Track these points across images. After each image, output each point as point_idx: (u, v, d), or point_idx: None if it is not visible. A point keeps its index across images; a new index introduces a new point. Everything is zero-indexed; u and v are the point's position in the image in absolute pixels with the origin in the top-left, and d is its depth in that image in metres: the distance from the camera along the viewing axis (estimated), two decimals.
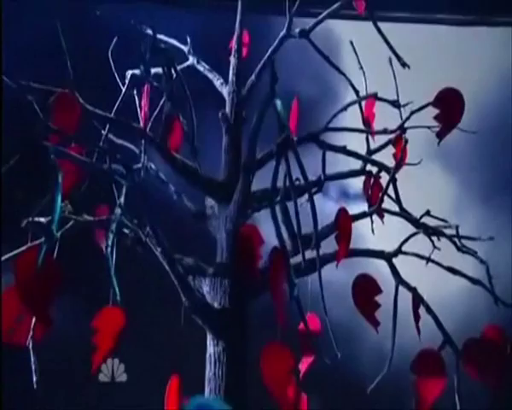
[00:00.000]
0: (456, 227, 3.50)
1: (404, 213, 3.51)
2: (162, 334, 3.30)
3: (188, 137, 3.24)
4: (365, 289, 3.29)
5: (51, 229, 2.53)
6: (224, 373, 3.16)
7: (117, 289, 2.61)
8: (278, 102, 2.83)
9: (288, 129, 2.83)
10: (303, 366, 3.10)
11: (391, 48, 3.58)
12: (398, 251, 3.55)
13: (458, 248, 3.41)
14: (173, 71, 3.10)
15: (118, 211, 2.77)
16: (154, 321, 3.43)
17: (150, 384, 2.94)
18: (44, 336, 3.00)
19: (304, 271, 3.02)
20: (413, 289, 3.49)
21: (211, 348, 3.21)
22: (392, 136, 3.65)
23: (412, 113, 3.39)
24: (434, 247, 3.55)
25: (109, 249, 2.64)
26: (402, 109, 3.45)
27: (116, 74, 3.69)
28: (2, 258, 2.96)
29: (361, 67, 3.83)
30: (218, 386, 3.14)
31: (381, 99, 3.51)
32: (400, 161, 3.35)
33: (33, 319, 2.90)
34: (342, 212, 3.17)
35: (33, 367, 2.87)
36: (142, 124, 3.66)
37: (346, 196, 4.15)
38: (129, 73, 3.67)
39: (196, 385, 3.20)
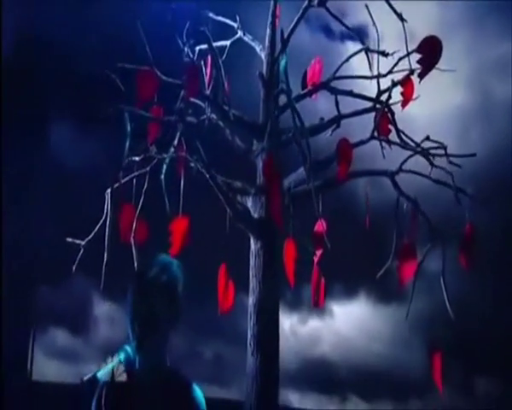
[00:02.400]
0: (445, 148, 3.88)
1: (400, 143, 3.92)
2: (220, 236, 4.10)
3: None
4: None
5: (122, 164, 3.44)
6: (261, 263, 3.96)
7: (167, 202, 3.46)
8: (282, 63, 3.42)
9: (285, 83, 3.41)
10: (317, 258, 3.77)
11: (390, 6, 3.93)
12: (399, 169, 4.01)
13: (432, 164, 3.78)
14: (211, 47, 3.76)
15: (171, 149, 3.58)
16: (215, 228, 4.23)
17: (210, 270, 3.80)
18: (143, 237, 4.00)
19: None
20: (412, 200, 3.97)
21: (252, 245, 4.01)
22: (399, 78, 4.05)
23: (400, 59, 3.75)
24: (432, 165, 3.98)
25: (162, 176, 3.47)
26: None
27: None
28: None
29: (374, 24, 4.18)
30: (258, 272, 3.96)
31: (372, 51, 3.88)
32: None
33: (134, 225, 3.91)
34: (343, 141, 3.71)
35: (135, 257, 3.87)
36: (207, 86, 4.39)
37: None
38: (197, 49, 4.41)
39: (244, 272, 4.04)
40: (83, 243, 4.07)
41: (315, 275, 3.85)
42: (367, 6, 4.13)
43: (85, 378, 1.65)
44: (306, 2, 4.16)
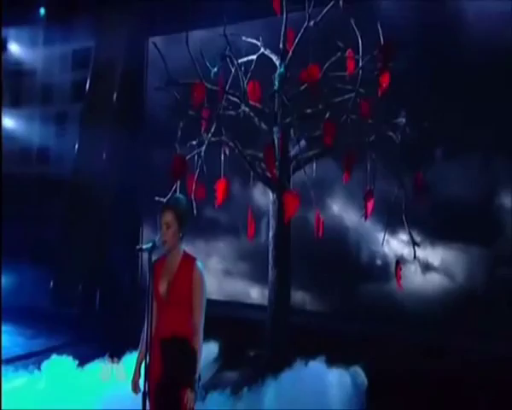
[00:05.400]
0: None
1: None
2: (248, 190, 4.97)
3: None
4: None
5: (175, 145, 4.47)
6: (276, 208, 4.82)
7: (205, 170, 4.42)
8: (279, 71, 4.20)
9: (278, 86, 4.19)
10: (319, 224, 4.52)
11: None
12: (374, 140, 4.62)
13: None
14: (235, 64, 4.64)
15: (210, 134, 4.54)
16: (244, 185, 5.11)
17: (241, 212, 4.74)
18: (202, 195, 4.96)
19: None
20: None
21: (270, 196, 4.88)
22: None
23: (367, 59, 4.31)
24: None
25: (203, 153, 4.45)
26: None
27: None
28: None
29: (359, 33, 4.69)
30: (274, 214, 4.83)
31: (346, 56, 4.46)
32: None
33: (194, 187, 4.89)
34: (327, 120, 4.42)
35: (194, 206, 4.87)
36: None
37: None
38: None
39: (264, 213, 4.91)
40: (164, 200, 5.15)
41: (316, 216, 4.60)
42: (352, 22, 4.66)
43: (137, 247, 2.68)
44: (306, 23, 4.82)
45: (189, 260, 2.85)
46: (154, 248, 2.72)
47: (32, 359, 4.80)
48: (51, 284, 6.60)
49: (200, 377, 2.72)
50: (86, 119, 6.71)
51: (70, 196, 6.63)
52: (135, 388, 2.77)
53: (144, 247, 2.71)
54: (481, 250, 4.96)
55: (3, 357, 4.61)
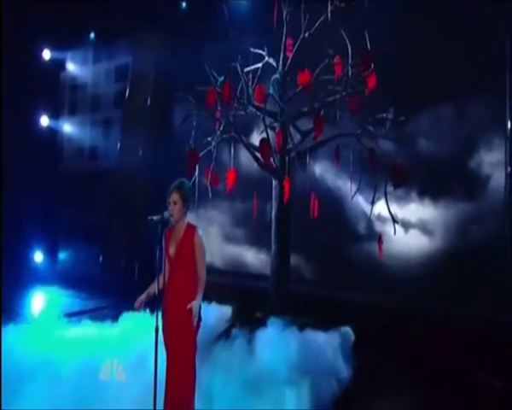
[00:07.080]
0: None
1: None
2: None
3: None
4: None
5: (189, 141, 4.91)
6: (278, 192, 5.20)
7: (214, 162, 4.83)
8: (273, 77, 4.54)
9: (273, 90, 4.53)
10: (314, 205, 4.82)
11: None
12: (362, 132, 4.86)
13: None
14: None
15: (220, 130, 4.95)
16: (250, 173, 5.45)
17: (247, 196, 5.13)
18: (217, 182, 5.39)
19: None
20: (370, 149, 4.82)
21: (273, 182, 5.24)
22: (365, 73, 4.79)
23: (351, 64, 4.55)
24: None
25: (212, 148, 4.87)
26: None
27: None
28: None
29: (348, 41, 4.91)
30: (276, 198, 5.21)
31: (332, 63, 4.71)
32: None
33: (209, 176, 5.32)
34: (317, 117, 4.70)
35: (209, 191, 5.31)
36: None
37: None
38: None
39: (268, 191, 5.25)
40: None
41: (312, 199, 4.91)
42: (343, 33, 4.88)
43: (148, 218, 3.14)
44: (302, 34, 5.11)
45: (191, 229, 3.28)
46: (162, 219, 3.16)
47: (85, 315, 5.53)
48: (100, 258, 7.41)
49: (201, 306, 3.17)
50: (126, 122, 7.43)
51: (114, 186, 7.38)
52: (138, 305, 3.26)
53: (155, 218, 3.17)
54: (465, 207, 4.98)
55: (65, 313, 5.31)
